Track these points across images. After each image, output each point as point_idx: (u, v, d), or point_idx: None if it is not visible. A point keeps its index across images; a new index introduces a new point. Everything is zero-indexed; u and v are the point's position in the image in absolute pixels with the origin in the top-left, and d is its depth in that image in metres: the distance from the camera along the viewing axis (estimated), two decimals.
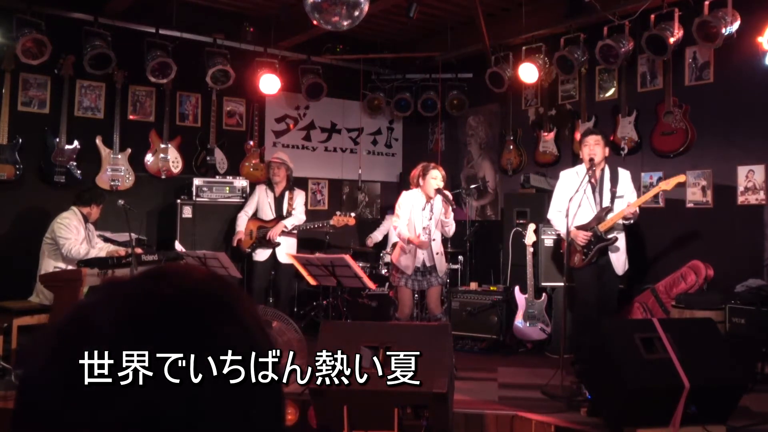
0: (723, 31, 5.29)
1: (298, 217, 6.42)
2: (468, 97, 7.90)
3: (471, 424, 4.17)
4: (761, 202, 5.54)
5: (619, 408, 3.68)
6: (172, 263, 0.73)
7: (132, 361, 0.59)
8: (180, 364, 0.59)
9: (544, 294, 6.06)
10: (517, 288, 6.08)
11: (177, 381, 0.59)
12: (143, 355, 0.59)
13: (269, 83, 7.18)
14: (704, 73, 5.95)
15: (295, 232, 6.45)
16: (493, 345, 6.11)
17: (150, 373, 0.58)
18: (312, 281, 5.40)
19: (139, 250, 5.31)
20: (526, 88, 7.44)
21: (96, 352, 0.59)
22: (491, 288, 6.51)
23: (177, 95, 7.16)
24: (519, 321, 6.01)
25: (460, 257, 6.97)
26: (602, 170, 4.99)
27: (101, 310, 0.62)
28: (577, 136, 6.73)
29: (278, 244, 6.30)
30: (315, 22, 4.62)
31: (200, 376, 0.60)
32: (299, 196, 6.55)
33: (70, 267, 5.21)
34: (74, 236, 5.39)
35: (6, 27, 5.88)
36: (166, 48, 6.58)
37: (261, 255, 6.37)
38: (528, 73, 6.69)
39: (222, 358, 0.62)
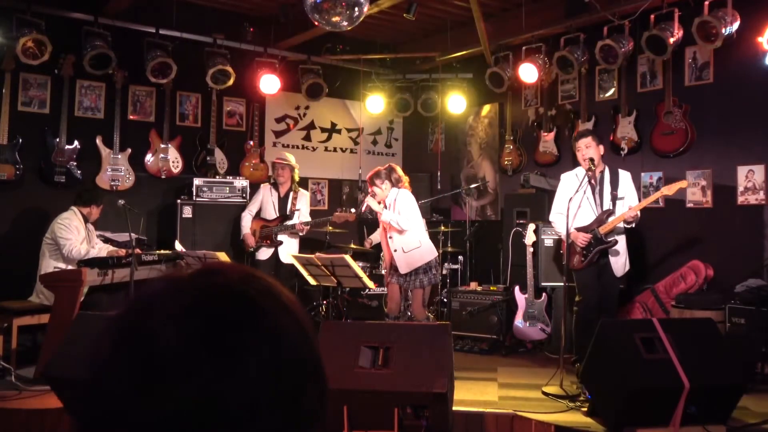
0: (723, 31, 5.29)
1: (305, 217, 6.42)
2: (468, 97, 7.90)
3: (471, 424, 4.17)
4: (761, 202, 5.54)
5: (619, 408, 3.68)
6: (217, 261, 0.78)
7: (197, 349, 0.62)
8: (242, 351, 0.63)
9: (544, 294, 6.07)
10: (517, 288, 6.08)
11: (238, 366, 0.62)
12: (208, 343, 0.62)
13: (269, 83, 7.18)
14: (704, 73, 5.95)
15: (301, 234, 6.45)
16: (493, 345, 6.11)
17: (214, 360, 0.62)
18: (312, 281, 5.41)
19: (139, 251, 5.31)
20: (526, 88, 7.44)
21: (163, 338, 0.62)
22: (491, 288, 6.51)
23: (177, 95, 7.16)
24: (519, 321, 6.01)
25: (460, 257, 6.98)
26: (602, 171, 5.00)
27: (166, 299, 0.66)
28: None
29: (280, 242, 6.31)
30: (315, 22, 4.62)
31: (259, 361, 0.64)
32: (303, 197, 6.54)
33: (70, 267, 5.21)
34: (75, 236, 5.39)
35: (6, 27, 5.88)
36: (166, 48, 6.57)
37: (263, 254, 6.39)
38: (528, 73, 6.68)
39: (280, 344, 0.66)
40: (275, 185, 6.55)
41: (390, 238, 5.22)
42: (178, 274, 0.70)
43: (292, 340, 0.68)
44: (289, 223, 6.33)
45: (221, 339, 0.63)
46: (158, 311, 0.64)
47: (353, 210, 6.31)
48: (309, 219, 6.48)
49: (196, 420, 0.60)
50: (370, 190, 5.32)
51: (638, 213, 4.79)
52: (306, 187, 7.96)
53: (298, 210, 6.41)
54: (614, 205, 4.91)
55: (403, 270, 5.17)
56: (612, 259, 4.93)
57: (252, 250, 6.40)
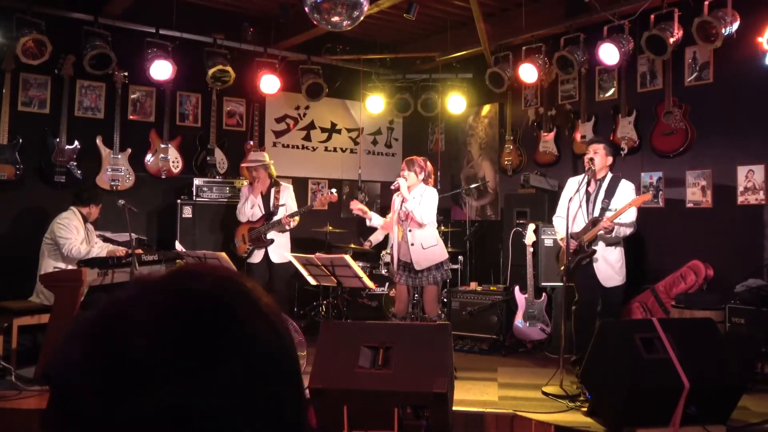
0: (723, 31, 5.29)
1: (292, 210, 6.24)
2: (468, 97, 7.90)
3: (471, 424, 4.17)
4: (761, 202, 5.54)
5: (619, 408, 3.68)
6: (193, 263, 0.75)
7: (170, 356, 0.60)
8: (216, 359, 0.61)
9: (544, 294, 6.07)
10: (517, 288, 6.08)
11: (213, 374, 0.60)
12: (180, 350, 0.60)
13: (269, 83, 7.19)
14: (704, 73, 5.95)
15: (289, 228, 6.30)
16: (493, 345, 6.11)
17: (187, 368, 0.60)
18: (312, 281, 5.41)
19: (139, 251, 5.31)
20: (526, 88, 7.44)
21: (135, 345, 0.60)
22: (491, 288, 6.51)
23: (177, 95, 7.16)
24: (519, 321, 6.01)
25: (460, 257, 6.97)
26: (602, 180, 4.99)
27: (138, 304, 0.64)
28: (577, 136, 6.75)
29: (271, 241, 6.15)
30: (315, 22, 4.63)
31: (234, 369, 0.62)
32: (286, 190, 6.35)
33: (70, 267, 5.21)
34: (74, 236, 5.39)
35: (6, 27, 5.88)
36: (166, 48, 6.58)
37: (256, 257, 6.20)
38: (528, 73, 6.69)
39: (255, 351, 0.64)
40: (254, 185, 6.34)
41: (409, 231, 5.16)
42: (150, 278, 0.67)
43: (268, 346, 0.66)
44: (275, 219, 6.16)
45: (194, 346, 0.61)
46: (129, 317, 0.62)
47: (333, 191, 6.23)
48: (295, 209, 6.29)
49: (169, 430, 0.58)
50: (405, 173, 5.21)
51: (612, 224, 4.74)
52: (306, 187, 7.96)
53: (283, 205, 6.22)
54: (602, 214, 4.90)
55: (418, 266, 5.13)
56: (601, 268, 4.92)
57: (245, 255, 6.27)
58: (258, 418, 0.62)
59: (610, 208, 4.87)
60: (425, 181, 5.28)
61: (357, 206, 5.42)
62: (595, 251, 4.89)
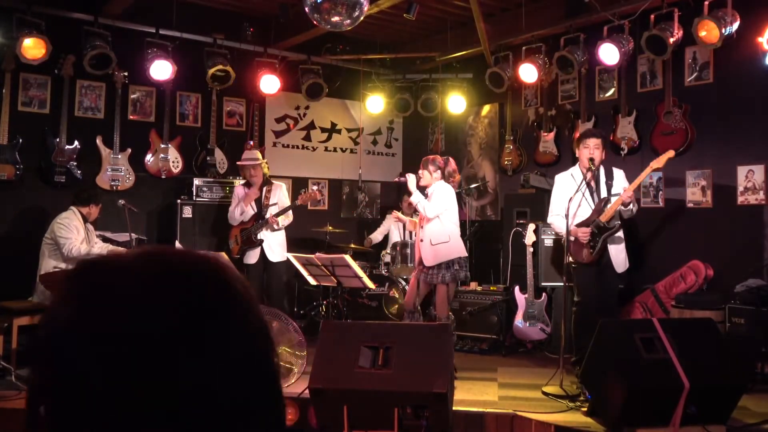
0: (723, 31, 5.28)
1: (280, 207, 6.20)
2: (468, 97, 7.90)
3: (471, 424, 4.17)
4: (761, 202, 5.54)
5: (619, 408, 3.68)
6: (161, 246, 0.72)
7: (156, 325, 0.58)
8: (220, 338, 0.60)
9: (544, 294, 6.07)
10: (517, 288, 6.08)
11: (221, 355, 0.59)
12: (185, 334, 0.59)
13: (269, 83, 7.18)
14: (704, 73, 5.95)
15: (278, 227, 6.18)
16: (493, 345, 6.11)
17: (195, 351, 0.58)
18: (312, 281, 5.41)
19: None
20: (526, 88, 7.44)
21: (122, 317, 0.58)
22: (491, 288, 6.51)
23: (177, 95, 7.16)
24: (519, 321, 6.01)
25: None
26: (598, 169, 5.01)
27: (123, 275, 0.61)
28: (577, 136, 6.74)
29: (261, 241, 6.08)
30: (315, 22, 4.63)
31: (227, 355, 0.60)
32: (278, 189, 6.31)
33: (70, 267, 5.21)
34: (75, 236, 5.39)
35: (6, 27, 5.88)
36: (166, 48, 6.57)
37: (251, 257, 6.14)
38: (528, 73, 6.68)
39: (250, 326, 0.63)
40: (248, 185, 6.32)
41: (421, 227, 5.22)
42: (123, 259, 0.63)
43: (257, 318, 0.65)
44: (266, 218, 6.12)
45: (197, 328, 0.59)
46: (114, 286, 0.59)
47: (315, 188, 6.25)
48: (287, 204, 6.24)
49: (183, 417, 0.56)
50: (420, 172, 5.29)
51: (633, 194, 4.78)
52: (306, 188, 7.95)
53: (274, 204, 6.17)
54: (609, 192, 4.92)
55: (426, 262, 5.14)
56: (613, 254, 4.91)
57: (238, 257, 6.22)
58: (263, 393, 0.62)
59: (613, 193, 4.90)
60: (446, 179, 5.28)
61: (396, 215, 5.81)
62: (620, 227, 4.88)
